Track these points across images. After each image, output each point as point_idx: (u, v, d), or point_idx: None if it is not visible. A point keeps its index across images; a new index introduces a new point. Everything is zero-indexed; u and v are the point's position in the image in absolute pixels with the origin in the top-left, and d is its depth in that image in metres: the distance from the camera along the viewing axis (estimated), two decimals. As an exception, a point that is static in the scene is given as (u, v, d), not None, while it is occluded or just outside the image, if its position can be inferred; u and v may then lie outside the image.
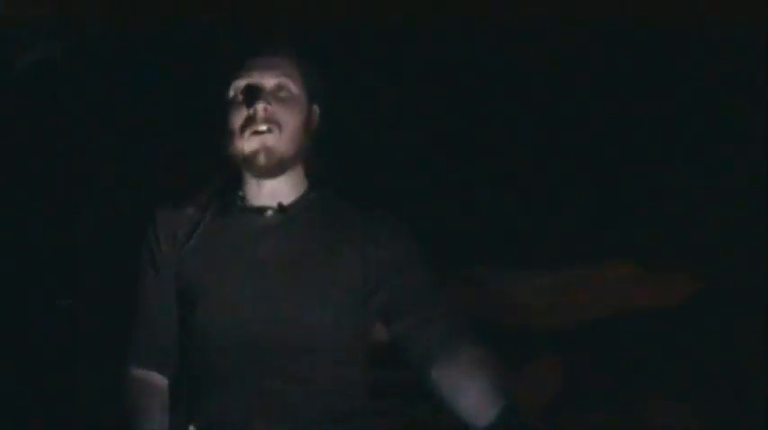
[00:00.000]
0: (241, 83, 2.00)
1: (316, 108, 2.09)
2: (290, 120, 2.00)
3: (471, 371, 1.92)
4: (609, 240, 3.11)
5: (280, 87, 2.01)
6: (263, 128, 1.98)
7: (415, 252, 2.07)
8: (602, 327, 3.10)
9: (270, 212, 2.05)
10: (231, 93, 2.02)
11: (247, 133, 1.99)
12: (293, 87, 2.02)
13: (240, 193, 2.08)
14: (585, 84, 3.13)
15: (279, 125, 1.99)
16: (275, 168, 2.01)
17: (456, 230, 3.08)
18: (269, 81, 2.00)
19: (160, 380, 2.07)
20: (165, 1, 3.01)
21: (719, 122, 3.09)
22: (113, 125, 3.15)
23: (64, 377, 2.99)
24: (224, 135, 2.02)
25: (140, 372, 2.07)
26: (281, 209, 2.05)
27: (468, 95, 3.15)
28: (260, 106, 1.97)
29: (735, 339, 2.93)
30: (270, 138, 1.98)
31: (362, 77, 3.03)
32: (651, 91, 3.11)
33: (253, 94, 1.98)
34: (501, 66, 3.14)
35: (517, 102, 3.14)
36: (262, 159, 1.99)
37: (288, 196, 2.07)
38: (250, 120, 1.98)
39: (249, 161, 2.00)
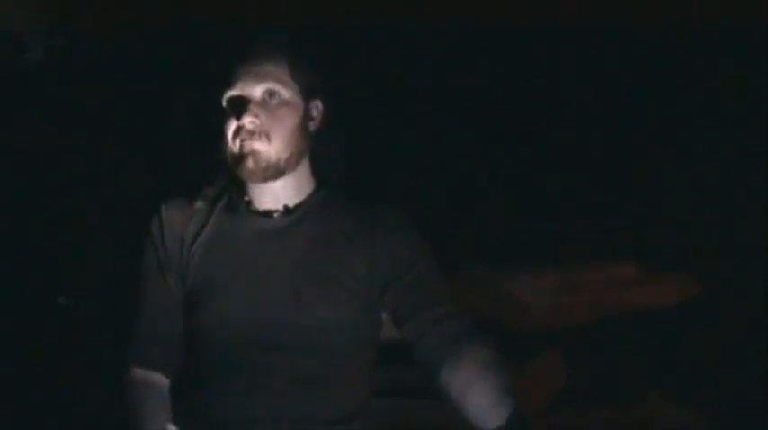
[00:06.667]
0: (232, 93, 2.01)
1: (317, 104, 2.08)
2: (281, 126, 2.00)
3: (480, 374, 1.91)
4: (609, 240, 3.11)
5: (270, 94, 2.01)
6: (251, 139, 1.99)
7: (425, 250, 2.06)
8: (602, 327, 3.10)
9: (276, 215, 2.05)
10: (224, 103, 2.03)
11: (237, 142, 2.00)
12: (284, 92, 2.01)
13: (246, 197, 2.08)
14: (586, 83, 3.13)
15: (267, 135, 1.99)
16: (264, 173, 2.01)
17: (456, 230, 3.08)
18: (256, 90, 2.00)
19: (161, 380, 2.06)
20: (164, 1, 3.01)
21: (720, 122, 3.09)
22: (113, 124, 3.15)
23: (64, 376, 2.99)
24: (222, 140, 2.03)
25: (141, 372, 2.06)
26: (286, 211, 2.06)
27: (470, 95, 3.15)
28: (247, 119, 1.98)
29: (735, 339, 2.94)
30: (258, 144, 1.99)
31: (362, 76, 3.03)
32: (652, 91, 3.11)
33: (240, 106, 1.99)
34: (502, 65, 3.15)
35: (518, 101, 3.14)
36: (249, 164, 1.99)
37: (293, 198, 2.06)
38: (239, 131, 2.00)
39: (238, 166, 2.01)
